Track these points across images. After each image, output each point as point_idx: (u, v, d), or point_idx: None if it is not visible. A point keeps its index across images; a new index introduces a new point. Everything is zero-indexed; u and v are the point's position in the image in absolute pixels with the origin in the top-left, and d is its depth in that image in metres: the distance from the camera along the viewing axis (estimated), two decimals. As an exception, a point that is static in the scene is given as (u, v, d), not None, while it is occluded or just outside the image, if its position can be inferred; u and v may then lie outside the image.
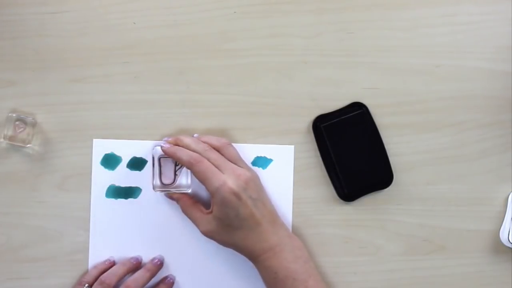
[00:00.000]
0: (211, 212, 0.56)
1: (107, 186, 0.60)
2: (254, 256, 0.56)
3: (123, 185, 0.61)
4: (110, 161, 0.60)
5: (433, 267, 0.62)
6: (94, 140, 0.60)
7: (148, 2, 0.61)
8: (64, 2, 0.61)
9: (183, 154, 0.57)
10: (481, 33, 0.62)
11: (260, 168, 0.61)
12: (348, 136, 0.60)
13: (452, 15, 0.62)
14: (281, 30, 0.61)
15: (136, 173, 0.61)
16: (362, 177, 0.61)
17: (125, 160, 0.61)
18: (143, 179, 0.61)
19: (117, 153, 0.61)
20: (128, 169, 0.61)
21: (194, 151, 0.57)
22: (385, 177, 0.61)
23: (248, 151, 0.61)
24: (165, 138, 0.59)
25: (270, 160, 0.61)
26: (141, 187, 0.61)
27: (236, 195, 0.54)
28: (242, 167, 0.57)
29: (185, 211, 0.59)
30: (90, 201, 0.61)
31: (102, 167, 0.60)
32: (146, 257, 0.61)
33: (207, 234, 0.57)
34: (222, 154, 0.58)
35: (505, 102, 0.62)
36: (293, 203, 0.61)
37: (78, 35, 0.61)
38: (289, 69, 0.61)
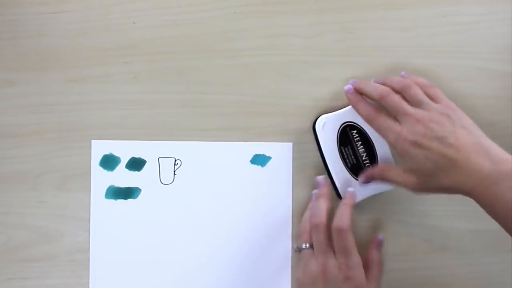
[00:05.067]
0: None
1: (107, 187, 0.60)
2: (465, 194, 0.51)
3: (122, 186, 0.61)
4: (109, 162, 0.60)
5: (433, 267, 0.62)
6: (93, 141, 0.60)
7: (148, 2, 0.61)
8: (64, 2, 0.61)
9: (362, 109, 0.57)
10: (481, 33, 0.62)
11: (259, 166, 0.61)
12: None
13: (452, 15, 0.62)
14: (281, 30, 0.61)
15: (135, 173, 0.61)
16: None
17: (124, 161, 0.61)
18: (142, 179, 0.61)
19: (116, 153, 0.61)
20: (127, 170, 0.61)
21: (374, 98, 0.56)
22: None
23: (246, 149, 0.61)
24: (352, 81, 0.59)
25: (269, 158, 0.61)
26: (140, 188, 0.61)
27: (415, 143, 0.52)
28: (426, 107, 0.54)
29: (386, 176, 0.56)
30: (90, 201, 0.61)
31: (101, 168, 0.60)
32: (146, 257, 0.61)
33: (409, 188, 0.54)
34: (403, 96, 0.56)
35: (505, 102, 0.62)
36: (293, 203, 0.61)
37: (78, 35, 0.61)
38: (289, 69, 0.61)
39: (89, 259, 0.61)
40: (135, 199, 0.61)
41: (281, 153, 0.61)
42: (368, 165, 0.60)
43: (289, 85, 0.61)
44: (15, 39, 0.61)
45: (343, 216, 0.56)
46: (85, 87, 0.61)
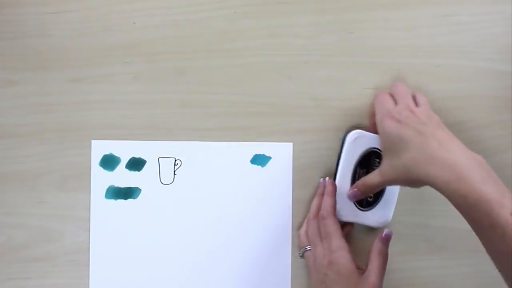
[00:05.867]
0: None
1: (107, 187, 0.60)
2: (433, 182, 0.50)
3: (122, 186, 0.61)
4: (109, 162, 0.60)
5: (433, 267, 0.62)
6: (93, 141, 0.61)
7: (148, 2, 0.61)
8: (65, 2, 0.61)
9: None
10: (481, 33, 0.62)
11: (259, 166, 0.61)
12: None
13: (452, 15, 0.62)
14: (281, 30, 0.61)
15: (135, 173, 0.61)
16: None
17: (124, 161, 0.61)
18: (142, 179, 0.61)
19: (116, 153, 0.61)
20: (127, 170, 0.61)
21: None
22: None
23: (246, 149, 0.61)
24: None
25: (269, 158, 0.61)
26: (140, 188, 0.61)
27: (396, 120, 0.54)
28: (425, 107, 0.56)
29: (366, 182, 0.57)
30: (90, 201, 0.61)
31: (101, 168, 0.60)
32: (146, 257, 0.61)
33: (388, 179, 0.55)
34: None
35: (505, 102, 0.62)
36: (293, 203, 0.61)
37: (78, 35, 0.61)
38: (289, 69, 0.61)
39: (89, 259, 0.61)
40: (135, 199, 0.61)
41: (281, 153, 0.61)
42: (370, 198, 0.60)
43: (289, 85, 0.61)
44: (15, 39, 0.61)
45: (324, 205, 0.58)
46: (85, 87, 0.61)
